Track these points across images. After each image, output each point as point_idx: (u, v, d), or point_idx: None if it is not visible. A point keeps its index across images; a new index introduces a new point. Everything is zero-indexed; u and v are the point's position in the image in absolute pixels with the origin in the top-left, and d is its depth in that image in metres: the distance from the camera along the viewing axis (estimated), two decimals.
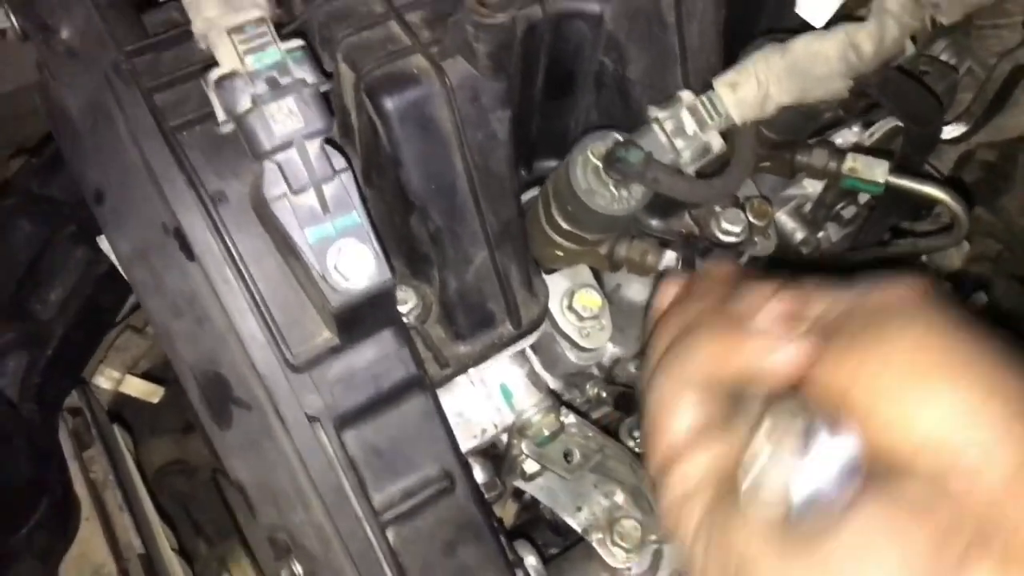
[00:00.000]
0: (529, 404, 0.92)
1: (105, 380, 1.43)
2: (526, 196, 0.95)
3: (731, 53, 0.86)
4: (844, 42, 0.73)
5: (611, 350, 1.11)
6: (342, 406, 0.75)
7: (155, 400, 1.44)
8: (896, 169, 0.94)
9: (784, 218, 1.23)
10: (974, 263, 1.79)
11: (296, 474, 0.75)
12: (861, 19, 0.75)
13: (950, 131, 1.04)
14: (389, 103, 0.73)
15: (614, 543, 0.99)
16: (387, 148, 0.75)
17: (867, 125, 1.10)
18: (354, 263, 0.68)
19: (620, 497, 1.03)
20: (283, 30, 0.76)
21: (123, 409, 1.46)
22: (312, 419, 0.74)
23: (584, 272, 0.98)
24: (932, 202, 0.92)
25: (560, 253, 0.90)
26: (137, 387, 1.45)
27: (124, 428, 1.40)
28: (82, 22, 0.75)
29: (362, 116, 0.76)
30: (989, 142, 1.26)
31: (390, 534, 0.77)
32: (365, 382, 0.76)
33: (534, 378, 0.93)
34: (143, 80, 0.73)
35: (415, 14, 0.77)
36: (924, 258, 1.03)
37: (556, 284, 0.97)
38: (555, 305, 0.97)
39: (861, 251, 1.08)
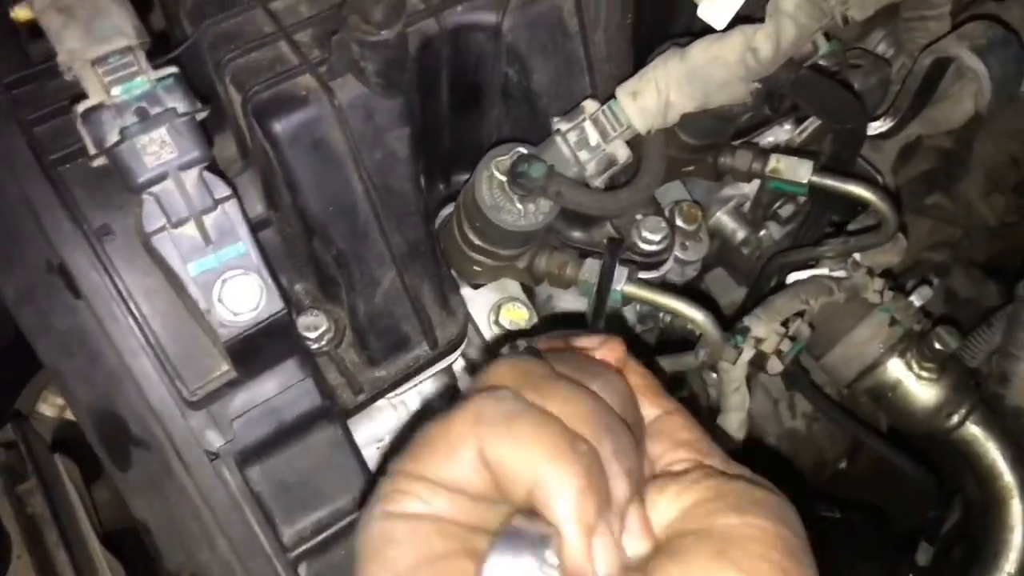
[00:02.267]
0: None
1: (49, 407, 1.39)
2: (446, 211, 0.93)
3: (644, 57, 0.84)
4: (742, 45, 0.71)
5: None
6: (244, 441, 0.73)
7: None
8: (823, 169, 0.92)
9: (724, 218, 1.21)
10: (934, 251, 1.78)
11: (200, 512, 0.73)
12: (761, 20, 0.73)
13: (877, 127, 1.02)
14: (277, 126, 0.71)
15: None
16: (280, 172, 0.73)
17: (798, 122, 1.08)
18: (241, 295, 0.66)
19: None
20: (170, 53, 0.74)
21: (73, 438, 1.43)
22: (213, 456, 0.72)
23: (511, 285, 0.96)
24: (861, 201, 0.90)
25: (478, 268, 0.88)
26: None
27: (74, 456, 1.37)
28: None
29: (254, 139, 0.74)
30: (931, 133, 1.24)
31: (302, 570, 0.75)
32: (267, 415, 0.74)
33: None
34: (22, 112, 0.71)
35: (305, 33, 0.75)
36: (858, 256, 1.01)
37: (483, 298, 0.95)
38: (482, 320, 0.95)
39: (797, 251, 1.06)
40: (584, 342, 0.52)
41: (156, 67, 0.65)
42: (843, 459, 1.61)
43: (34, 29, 0.78)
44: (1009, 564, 1.05)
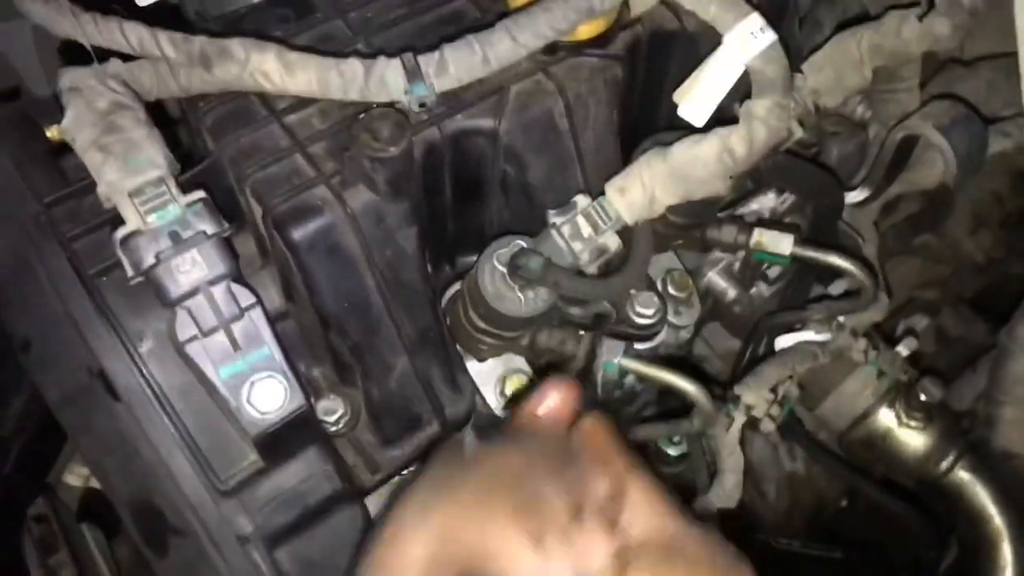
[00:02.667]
0: None
1: (75, 478, 1.45)
2: (452, 290, 0.99)
3: (633, 146, 0.91)
4: (719, 147, 0.77)
5: None
6: (272, 525, 0.78)
7: None
8: (804, 240, 0.98)
9: (716, 278, 1.27)
10: (925, 289, 1.83)
11: None
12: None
13: (855, 197, 1.09)
14: (296, 234, 0.77)
15: None
16: (298, 275, 0.79)
17: (780, 191, 1.14)
18: (267, 395, 0.72)
19: None
20: (195, 169, 0.81)
21: (98, 504, 1.49)
22: (244, 540, 0.78)
23: (516, 358, 1.02)
24: (839, 271, 0.96)
25: (484, 347, 0.94)
26: None
27: (96, 525, 1.42)
28: (2, 180, 0.79)
29: (275, 245, 0.80)
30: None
31: None
32: (293, 500, 0.79)
33: None
34: (62, 229, 0.77)
35: (319, 145, 0.81)
36: (842, 319, 1.07)
37: (488, 371, 1.01)
38: (489, 392, 1.00)
39: (784, 314, 1.11)
40: (531, 402, 0.57)
41: (183, 186, 0.72)
42: (843, 498, 1.65)
43: (66, 145, 0.85)
44: None
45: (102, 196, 0.69)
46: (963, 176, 1.01)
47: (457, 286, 0.99)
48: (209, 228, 0.70)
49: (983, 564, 1.15)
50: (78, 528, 1.32)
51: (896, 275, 1.68)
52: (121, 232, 0.69)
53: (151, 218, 0.68)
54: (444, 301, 0.98)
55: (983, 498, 1.17)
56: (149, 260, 0.68)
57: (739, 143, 0.76)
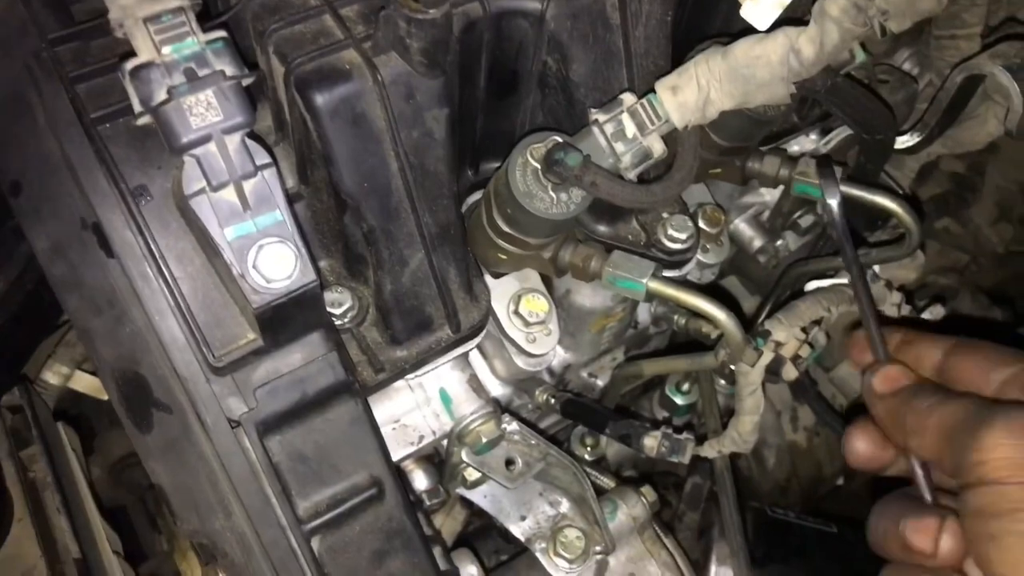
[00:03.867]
0: (469, 411, 0.89)
1: (53, 375, 1.39)
2: (473, 197, 0.93)
3: (681, 55, 0.85)
4: (785, 46, 0.71)
5: (562, 355, 1.10)
6: (266, 411, 0.73)
7: (105, 396, 1.41)
8: (849, 178, 0.93)
9: (742, 225, 1.22)
10: (941, 274, 1.79)
11: (217, 480, 0.72)
12: (805, 23, 0.73)
13: (904, 141, 1.03)
14: (319, 98, 0.71)
15: (557, 553, 0.97)
16: (318, 144, 0.73)
17: (824, 132, 1.09)
18: (275, 263, 0.66)
19: (565, 506, 1.02)
20: (214, 20, 0.75)
21: (80, 404, 1.43)
22: (234, 423, 0.72)
23: (532, 276, 0.96)
24: (885, 213, 0.91)
25: (503, 256, 0.88)
26: (87, 383, 1.41)
27: (73, 427, 1.36)
28: (4, 7, 0.72)
29: (294, 111, 0.74)
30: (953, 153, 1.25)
31: (315, 543, 0.74)
32: (291, 386, 0.73)
33: (475, 384, 0.91)
34: (65, 69, 0.71)
35: (351, 8, 0.75)
36: (878, 269, 1.01)
37: (503, 288, 0.95)
38: (501, 309, 0.95)
39: (817, 260, 1.06)
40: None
41: (205, 31, 0.65)
42: (840, 475, 1.61)
43: None
44: None
45: (114, 21, 0.63)
46: None
47: (477, 194, 0.93)
48: (228, 70, 0.64)
49: None
50: (54, 426, 1.26)
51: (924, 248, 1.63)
52: (132, 62, 0.62)
53: (166, 50, 0.62)
54: (464, 208, 0.93)
55: None
56: (160, 95, 0.62)
57: (808, 44, 0.70)
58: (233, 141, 0.64)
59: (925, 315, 1.25)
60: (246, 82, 0.65)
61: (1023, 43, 0.95)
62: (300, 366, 0.74)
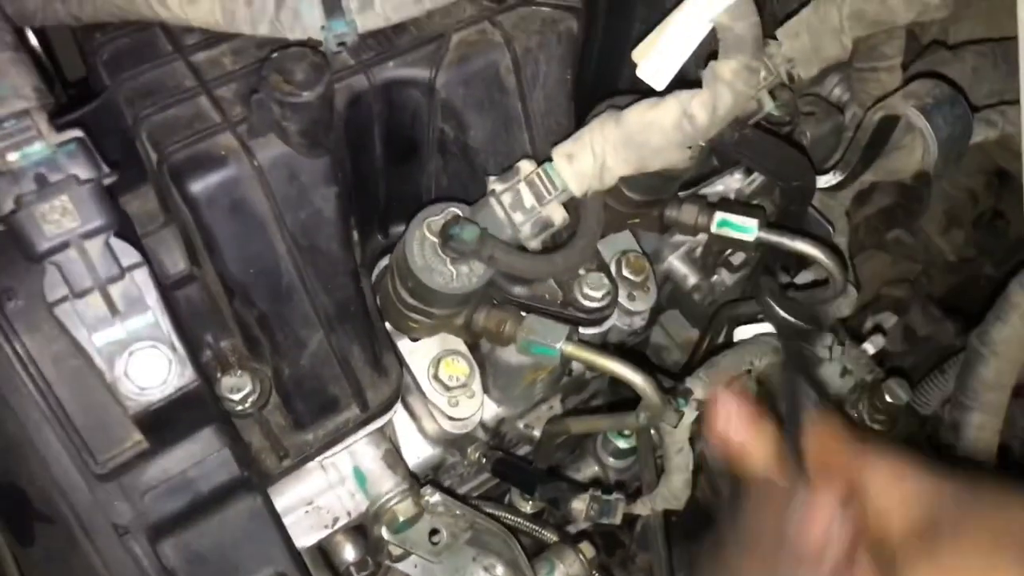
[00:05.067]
0: (384, 489, 0.86)
1: None
2: (384, 262, 0.90)
3: (586, 112, 0.82)
4: (677, 111, 0.69)
5: (495, 410, 1.07)
6: (157, 514, 0.69)
7: None
8: (770, 224, 0.90)
9: (676, 263, 1.19)
10: (894, 287, 1.78)
11: None
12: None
13: (827, 180, 1.01)
14: (194, 186, 0.68)
15: None
16: (198, 233, 0.70)
17: (748, 172, 1.06)
18: (148, 368, 0.63)
19: (500, 570, 0.98)
20: (85, 107, 0.71)
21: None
22: (123, 530, 0.69)
23: (452, 338, 0.94)
24: (805, 259, 0.89)
25: (415, 325, 0.86)
26: None
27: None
28: None
29: (172, 199, 0.71)
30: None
31: None
32: (182, 487, 0.70)
33: (391, 459, 0.88)
34: None
35: (228, 87, 0.72)
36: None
37: (422, 351, 0.92)
38: (421, 374, 0.92)
39: (746, 303, 1.04)
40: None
41: (61, 128, 0.62)
42: None
43: None
44: None
45: None
46: (944, 163, 0.93)
47: (388, 258, 0.90)
48: (83, 173, 0.60)
49: None
50: None
51: (865, 270, 1.61)
52: None
53: (12, 156, 0.59)
54: (375, 274, 0.90)
55: None
56: (8, 205, 0.58)
57: (701, 108, 0.68)
58: (95, 245, 0.61)
59: (866, 346, 1.23)
60: (107, 181, 0.62)
61: (934, 82, 0.93)
62: (192, 465, 0.71)
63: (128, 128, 0.72)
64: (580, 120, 0.81)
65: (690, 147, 0.71)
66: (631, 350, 1.07)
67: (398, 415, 0.97)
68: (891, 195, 1.73)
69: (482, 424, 1.07)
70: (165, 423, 0.68)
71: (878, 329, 1.19)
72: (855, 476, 0.55)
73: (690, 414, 0.85)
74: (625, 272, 1.00)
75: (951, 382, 1.24)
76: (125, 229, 0.66)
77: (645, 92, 0.76)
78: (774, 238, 0.88)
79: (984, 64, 1.16)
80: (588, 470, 1.22)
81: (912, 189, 1.77)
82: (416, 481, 0.90)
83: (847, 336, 1.15)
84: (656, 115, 0.69)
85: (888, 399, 1.09)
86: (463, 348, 0.94)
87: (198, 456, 0.71)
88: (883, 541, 0.53)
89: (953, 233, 1.80)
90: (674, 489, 0.91)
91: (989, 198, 1.79)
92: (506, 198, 0.74)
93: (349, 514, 0.86)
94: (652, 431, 1.10)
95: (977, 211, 1.78)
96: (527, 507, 1.18)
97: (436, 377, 0.91)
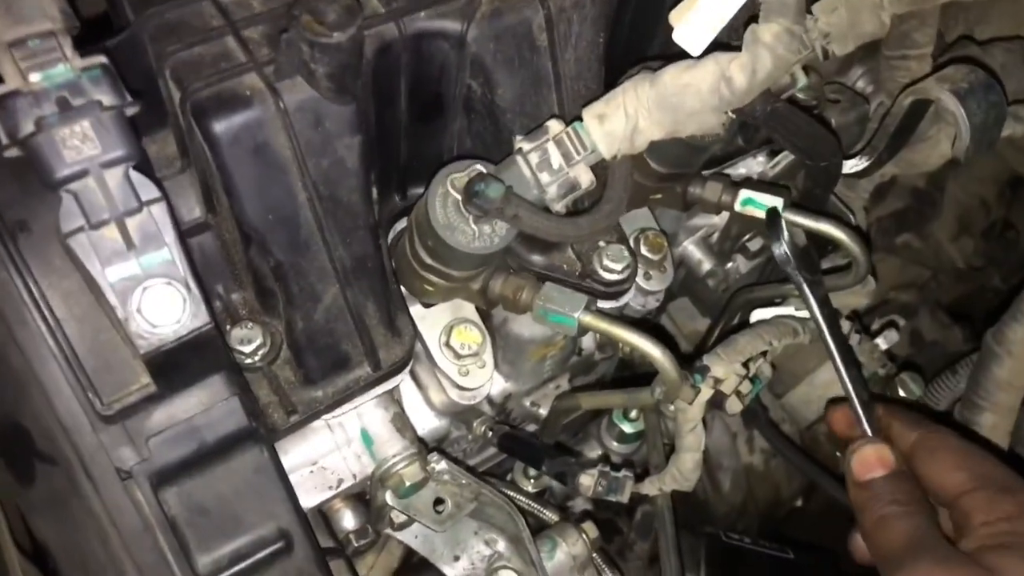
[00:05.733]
0: (391, 452, 0.85)
1: None
2: (400, 224, 0.89)
3: (617, 78, 0.80)
4: (715, 74, 0.67)
5: (502, 385, 1.05)
6: (161, 461, 0.68)
7: None
8: (795, 205, 0.89)
9: (691, 248, 1.18)
10: (901, 291, 1.76)
11: (107, 536, 0.67)
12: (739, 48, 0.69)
13: (853, 165, 0.99)
14: (217, 126, 0.66)
15: None
16: (218, 175, 0.68)
17: (772, 155, 1.05)
18: (162, 306, 0.62)
19: (501, 545, 0.97)
20: (108, 41, 0.69)
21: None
22: (125, 475, 0.67)
23: (465, 306, 0.92)
24: (830, 241, 0.87)
25: (430, 288, 0.84)
26: None
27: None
28: None
29: (193, 139, 0.69)
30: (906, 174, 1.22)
31: None
32: (188, 434, 0.68)
33: (400, 423, 0.86)
34: None
35: (255, 29, 0.70)
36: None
37: (434, 318, 0.90)
38: (432, 341, 0.90)
39: (765, 287, 1.02)
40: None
41: (85, 56, 0.60)
42: (799, 497, 1.58)
43: None
44: None
45: None
46: (975, 150, 0.92)
47: (404, 221, 0.88)
48: (107, 100, 0.59)
49: None
50: None
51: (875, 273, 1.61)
52: None
53: (34, 77, 0.57)
54: (390, 236, 0.88)
55: None
56: (28, 127, 0.57)
57: (739, 71, 0.66)
58: (114, 176, 0.59)
59: (879, 340, 1.22)
60: (130, 111, 0.60)
61: (970, 67, 0.92)
62: (198, 412, 0.69)
63: (150, 68, 0.71)
64: (609, 87, 0.80)
65: (727, 113, 0.69)
66: (648, 325, 1.06)
67: (404, 384, 0.96)
68: (904, 198, 1.72)
69: (488, 399, 1.05)
70: (175, 367, 0.66)
71: (892, 324, 1.18)
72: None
73: (706, 392, 0.84)
74: (643, 250, 0.99)
75: (963, 382, 1.23)
76: (144, 165, 0.64)
77: (678, 59, 0.75)
78: (799, 219, 0.87)
79: (1012, 61, 1.15)
80: (592, 454, 1.21)
81: (926, 193, 1.76)
82: (424, 447, 0.88)
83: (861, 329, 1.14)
84: (693, 77, 0.68)
85: (902, 393, 1.08)
86: (476, 316, 0.92)
87: (206, 403, 0.69)
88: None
89: (963, 241, 1.79)
90: (684, 469, 0.89)
91: (1000, 208, 1.78)
92: (533, 157, 0.73)
93: (355, 476, 0.84)
94: (662, 411, 1.09)
95: (988, 221, 1.78)
96: (529, 486, 1.17)
97: (447, 344, 0.90)
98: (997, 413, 1.13)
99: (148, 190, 0.62)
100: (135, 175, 0.61)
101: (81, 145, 0.58)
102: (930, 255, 1.79)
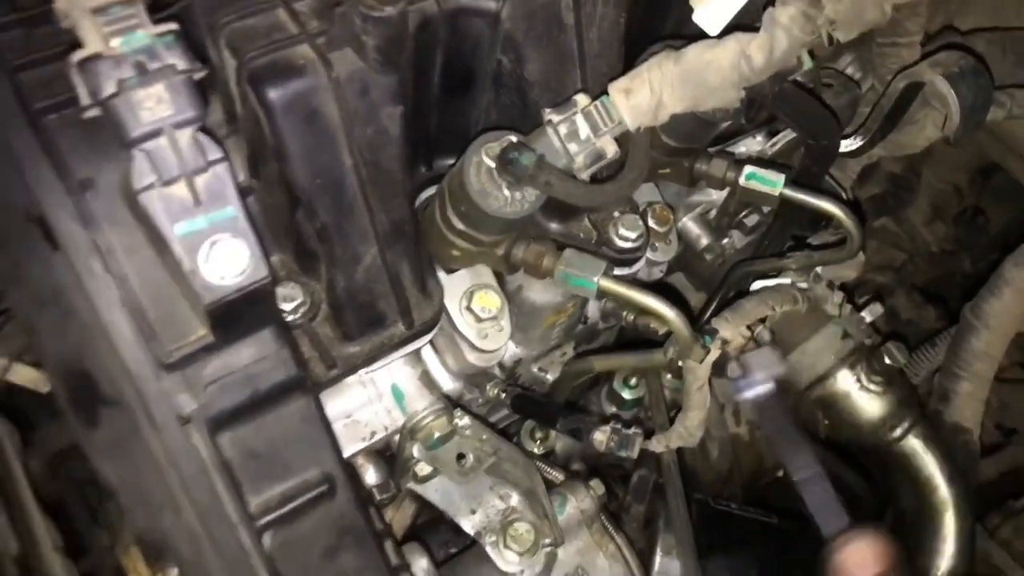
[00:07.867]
0: (421, 406, 0.90)
1: None
2: (426, 193, 0.94)
3: (632, 57, 0.86)
4: (736, 52, 0.73)
5: (513, 350, 1.11)
6: (217, 407, 0.72)
7: (45, 390, 1.37)
8: (793, 182, 0.95)
9: (689, 224, 1.24)
10: (878, 272, 1.84)
11: (167, 477, 0.72)
12: (755, 30, 0.75)
13: (848, 144, 1.06)
14: (272, 93, 0.71)
15: (507, 546, 0.98)
16: (271, 140, 0.73)
17: (770, 135, 1.11)
18: (227, 259, 0.66)
19: (515, 500, 1.03)
20: (164, 12, 0.73)
21: (16, 397, 1.39)
22: (184, 420, 0.71)
23: (484, 272, 0.97)
24: (827, 216, 0.94)
25: (457, 253, 0.89)
26: (25, 375, 1.38)
27: (11, 419, 1.33)
28: None
29: (246, 106, 0.74)
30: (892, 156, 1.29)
31: (266, 539, 0.74)
32: (242, 382, 0.73)
33: (427, 380, 0.91)
34: (7, 57, 0.69)
35: (304, 2, 0.75)
36: (820, 270, 1.04)
37: (455, 284, 0.96)
38: (453, 305, 0.95)
39: (762, 260, 1.09)
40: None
41: (156, 23, 0.64)
42: (781, 467, 1.66)
43: None
44: (940, 572, 1.10)
45: (59, 11, 0.61)
46: (964, 131, 0.99)
47: (431, 190, 0.93)
48: (180, 64, 0.63)
49: (926, 532, 1.15)
50: None
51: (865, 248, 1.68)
52: (79, 54, 0.61)
53: (115, 42, 0.61)
54: (417, 204, 0.93)
55: (932, 468, 1.17)
56: (109, 89, 0.61)
57: (758, 50, 0.72)
58: (184, 136, 0.64)
59: (864, 313, 1.29)
60: (198, 76, 0.65)
61: (961, 52, 0.98)
62: (252, 362, 0.73)
63: (199, 38, 0.75)
64: (628, 65, 0.85)
65: (744, 89, 0.75)
66: (662, 287, 1.11)
67: (422, 350, 1.01)
68: (882, 184, 1.80)
69: (500, 364, 1.10)
70: (232, 318, 0.70)
71: (876, 298, 1.25)
72: None
73: (715, 352, 0.90)
74: (651, 222, 1.05)
75: (941, 354, 1.31)
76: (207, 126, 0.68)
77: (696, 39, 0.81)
78: (799, 195, 0.93)
79: (992, 51, 1.22)
80: None
81: (903, 179, 1.84)
82: (449, 402, 0.93)
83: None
84: (715, 54, 0.73)
85: (887, 360, 1.15)
86: (494, 282, 0.97)
87: (259, 354, 0.73)
88: None
89: (936, 225, 1.87)
90: (690, 426, 0.96)
91: (972, 195, 1.86)
92: (562, 128, 0.78)
93: (386, 428, 0.89)
94: (666, 374, 1.15)
95: (960, 207, 1.86)
96: (535, 448, 1.22)
97: (468, 308, 0.95)
98: (973, 382, 1.21)
99: (213, 151, 0.66)
100: (201, 136, 0.65)
101: (156, 107, 0.62)
102: (906, 239, 1.87)
